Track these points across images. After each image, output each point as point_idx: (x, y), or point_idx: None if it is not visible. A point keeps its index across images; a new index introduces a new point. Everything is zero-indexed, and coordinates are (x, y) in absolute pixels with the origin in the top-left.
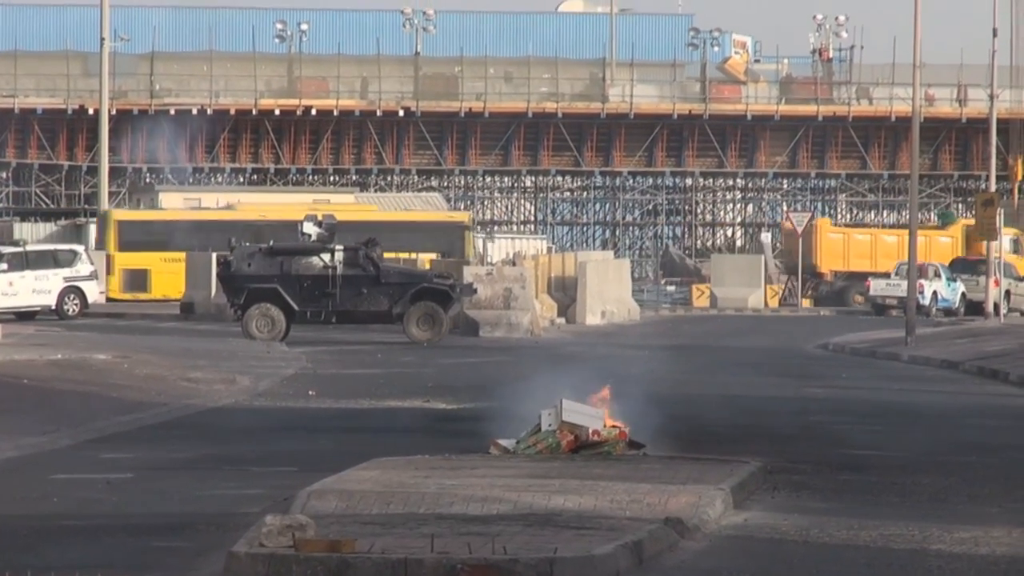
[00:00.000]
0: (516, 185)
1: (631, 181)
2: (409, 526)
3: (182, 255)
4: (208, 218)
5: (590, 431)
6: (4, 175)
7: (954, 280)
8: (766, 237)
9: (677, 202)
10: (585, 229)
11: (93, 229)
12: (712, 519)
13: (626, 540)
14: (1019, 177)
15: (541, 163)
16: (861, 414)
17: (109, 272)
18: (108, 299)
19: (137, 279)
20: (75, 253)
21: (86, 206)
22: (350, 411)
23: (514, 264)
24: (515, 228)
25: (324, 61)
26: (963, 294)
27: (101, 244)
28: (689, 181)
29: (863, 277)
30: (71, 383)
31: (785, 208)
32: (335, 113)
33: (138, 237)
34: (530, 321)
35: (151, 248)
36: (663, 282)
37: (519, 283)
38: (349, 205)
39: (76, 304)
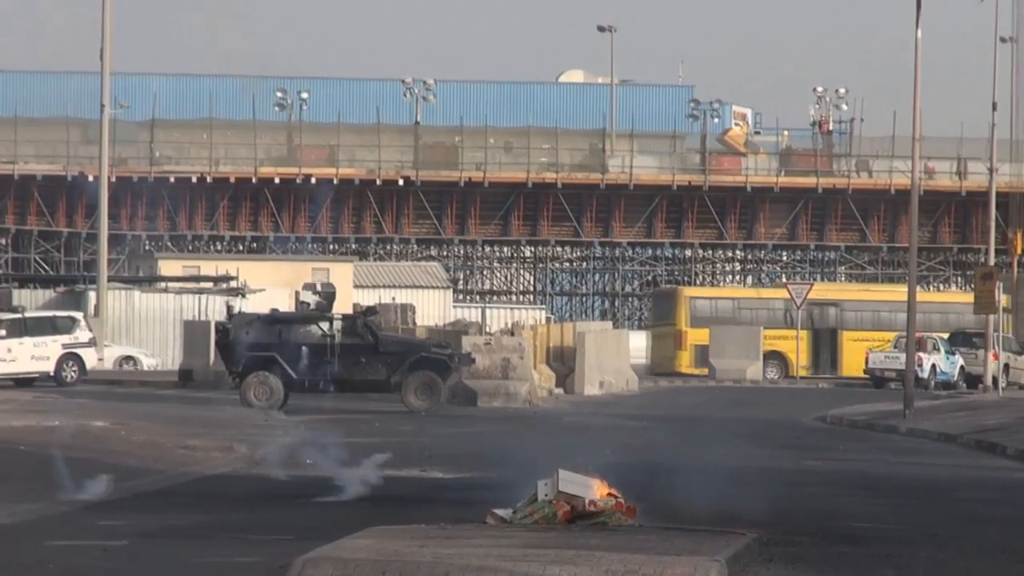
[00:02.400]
0: (515, 255)
1: (630, 252)
2: None
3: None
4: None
5: (587, 501)
6: (3, 241)
7: (953, 353)
8: None
9: (676, 273)
10: (584, 299)
11: (92, 296)
12: None
13: None
14: (1019, 251)
15: (540, 233)
16: (858, 486)
17: (681, 347)
18: (678, 373)
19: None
20: (74, 320)
21: (85, 273)
22: (347, 480)
23: (512, 334)
24: (514, 298)
25: (324, 130)
26: (962, 367)
27: (667, 318)
28: (688, 252)
29: None
30: (68, 449)
31: (784, 280)
32: (335, 182)
33: (706, 313)
34: (528, 391)
35: (717, 323)
36: None
37: (517, 353)
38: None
39: (75, 371)
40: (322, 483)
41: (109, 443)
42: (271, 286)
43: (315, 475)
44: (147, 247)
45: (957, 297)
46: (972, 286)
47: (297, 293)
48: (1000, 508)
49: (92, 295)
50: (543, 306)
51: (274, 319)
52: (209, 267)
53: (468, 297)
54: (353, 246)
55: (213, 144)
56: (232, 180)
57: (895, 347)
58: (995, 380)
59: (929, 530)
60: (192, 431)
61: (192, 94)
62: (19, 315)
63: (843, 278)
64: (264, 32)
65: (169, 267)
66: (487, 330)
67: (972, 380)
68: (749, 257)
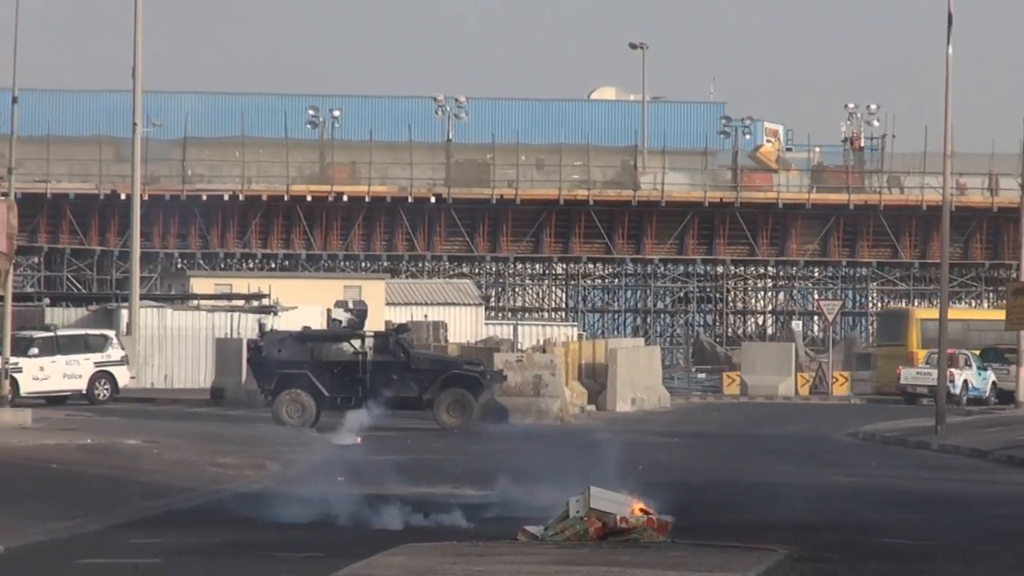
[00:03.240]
0: (547, 272)
1: (662, 268)
2: None
3: None
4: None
5: (618, 518)
6: (36, 260)
7: (985, 369)
8: (797, 325)
9: (708, 290)
10: (616, 316)
11: (124, 314)
12: None
13: None
14: None
15: (572, 250)
16: (889, 502)
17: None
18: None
19: None
20: (106, 338)
21: (117, 291)
22: (378, 497)
23: (544, 351)
24: (546, 315)
25: (356, 147)
26: (994, 383)
27: (896, 339)
28: (720, 269)
29: None
30: (100, 468)
31: (816, 296)
32: (367, 199)
33: (935, 334)
34: (560, 408)
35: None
36: (694, 369)
37: (549, 370)
38: None
39: (107, 389)
40: (354, 500)
41: (141, 461)
42: (303, 304)
43: (346, 492)
44: (179, 265)
45: None
46: (1004, 302)
47: (329, 311)
48: None
49: (124, 313)
50: (575, 323)
51: (306, 337)
52: (241, 285)
53: (500, 314)
54: (385, 263)
55: (245, 162)
56: (264, 198)
57: (927, 363)
58: None
59: (960, 546)
60: (224, 449)
61: (224, 112)
62: (51, 333)
63: (875, 295)
64: (296, 50)
65: (201, 285)
66: (519, 347)
67: (1004, 396)
68: (781, 273)
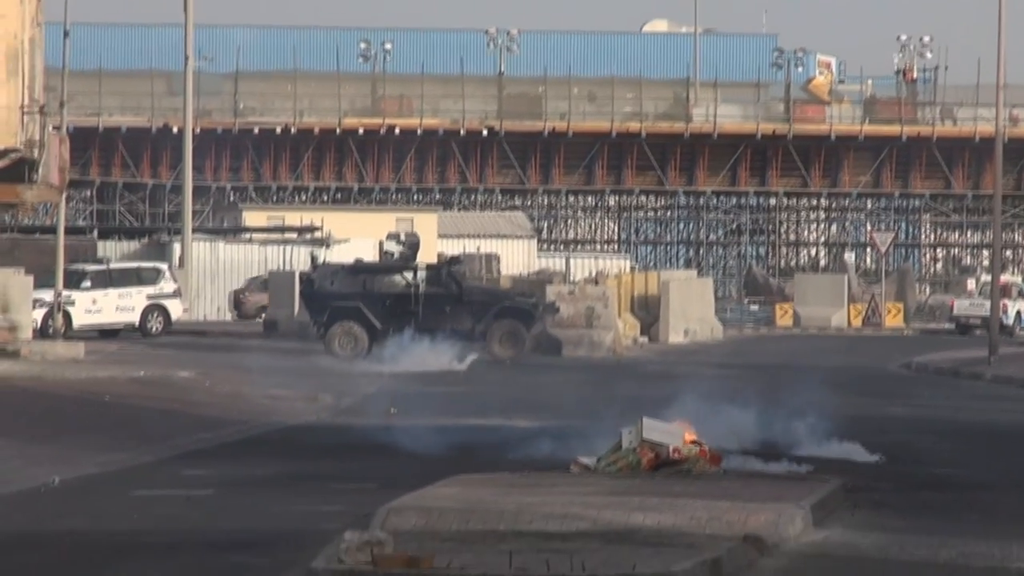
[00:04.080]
0: (599, 204)
1: (714, 201)
2: (487, 543)
3: None
4: None
5: (671, 449)
6: (88, 193)
7: None
8: (849, 257)
9: (761, 221)
10: (668, 248)
11: (177, 247)
12: (791, 537)
13: (704, 557)
14: None
15: (625, 182)
16: (942, 433)
17: None
18: None
19: None
20: (159, 271)
21: (170, 224)
22: (431, 429)
23: (597, 283)
24: (598, 247)
25: (408, 80)
26: None
27: None
28: (773, 201)
29: None
30: (153, 400)
31: (869, 228)
32: (418, 132)
33: None
34: (612, 340)
35: None
36: (746, 301)
37: (601, 302)
38: None
39: (159, 322)
40: (406, 432)
41: (193, 393)
42: (355, 237)
43: (399, 424)
44: (231, 198)
45: None
46: None
47: (381, 243)
48: None
49: (177, 246)
50: (627, 255)
51: (358, 269)
52: (293, 218)
53: (552, 247)
54: (437, 196)
55: (297, 95)
56: (316, 131)
57: (980, 294)
58: None
59: (1014, 476)
60: (276, 381)
61: (276, 46)
62: (104, 267)
63: (927, 226)
64: None
65: (254, 218)
66: (571, 279)
67: None
68: (833, 205)
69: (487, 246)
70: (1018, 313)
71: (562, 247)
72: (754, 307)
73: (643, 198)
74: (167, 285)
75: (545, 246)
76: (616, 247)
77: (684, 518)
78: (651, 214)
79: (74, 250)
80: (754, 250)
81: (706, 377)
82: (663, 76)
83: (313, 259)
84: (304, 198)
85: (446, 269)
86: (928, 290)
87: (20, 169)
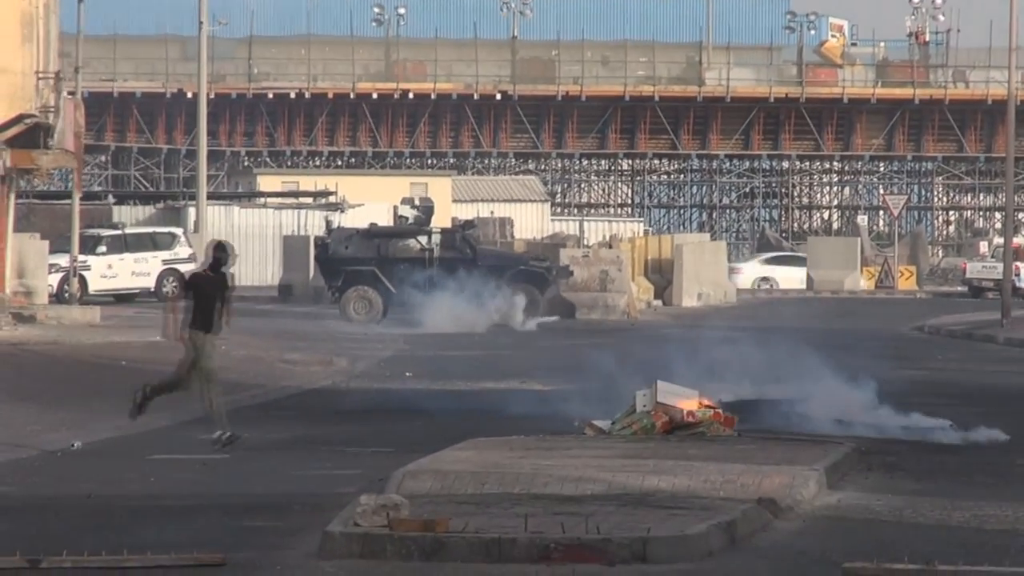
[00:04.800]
0: (613, 168)
1: (727, 164)
2: (503, 505)
3: None
4: None
5: (685, 412)
6: (103, 158)
7: None
8: (862, 219)
9: (773, 185)
10: (681, 212)
11: (192, 212)
12: (806, 499)
13: (719, 520)
14: None
15: (638, 146)
16: (956, 395)
17: None
18: None
19: None
20: (174, 236)
21: (184, 189)
22: (446, 392)
23: (610, 247)
24: (612, 211)
25: (421, 45)
26: None
27: None
28: (786, 164)
29: None
30: (169, 365)
31: (882, 191)
32: (432, 97)
33: None
34: (626, 303)
35: None
36: None
37: (615, 265)
38: None
39: (175, 286)
40: (421, 396)
41: None
42: (370, 201)
43: (414, 388)
44: (246, 163)
45: None
46: None
47: (396, 208)
48: None
49: (192, 211)
50: (641, 218)
51: (373, 234)
52: (308, 182)
53: (566, 210)
54: (451, 160)
55: (311, 60)
56: (330, 96)
57: (992, 256)
58: None
59: None
60: (292, 345)
61: (289, 10)
62: (119, 231)
63: (940, 189)
64: None
65: (268, 183)
66: (585, 243)
67: None
68: (846, 168)
69: (501, 210)
70: None
71: (576, 211)
72: None
73: (656, 162)
74: (182, 250)
75: (559, 210)
76: (629, 211)
77: (698, 481)
78: (664, 178)
79: (89, 215)
80: (767, 213)
81: (721, 341)
82: (676, 40)
83: (328, 224)
84: (318, 163)
85: (460, 233)
86: (941, 253)
87: (35, 135)
